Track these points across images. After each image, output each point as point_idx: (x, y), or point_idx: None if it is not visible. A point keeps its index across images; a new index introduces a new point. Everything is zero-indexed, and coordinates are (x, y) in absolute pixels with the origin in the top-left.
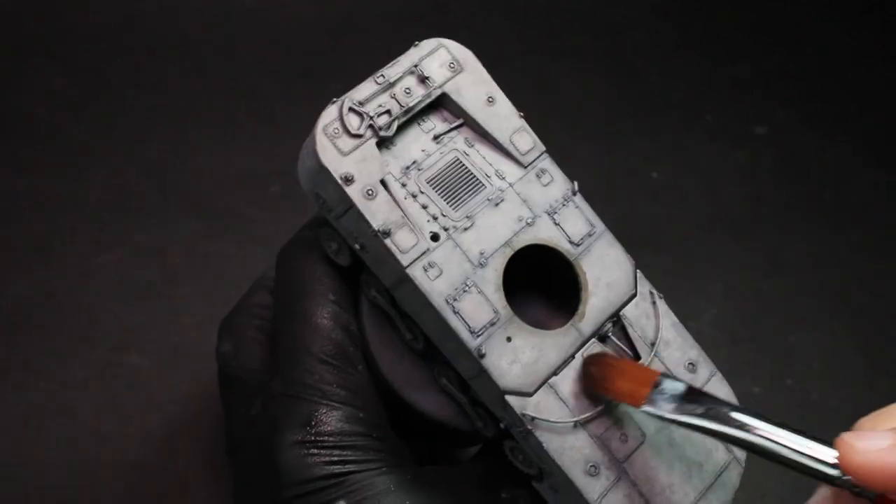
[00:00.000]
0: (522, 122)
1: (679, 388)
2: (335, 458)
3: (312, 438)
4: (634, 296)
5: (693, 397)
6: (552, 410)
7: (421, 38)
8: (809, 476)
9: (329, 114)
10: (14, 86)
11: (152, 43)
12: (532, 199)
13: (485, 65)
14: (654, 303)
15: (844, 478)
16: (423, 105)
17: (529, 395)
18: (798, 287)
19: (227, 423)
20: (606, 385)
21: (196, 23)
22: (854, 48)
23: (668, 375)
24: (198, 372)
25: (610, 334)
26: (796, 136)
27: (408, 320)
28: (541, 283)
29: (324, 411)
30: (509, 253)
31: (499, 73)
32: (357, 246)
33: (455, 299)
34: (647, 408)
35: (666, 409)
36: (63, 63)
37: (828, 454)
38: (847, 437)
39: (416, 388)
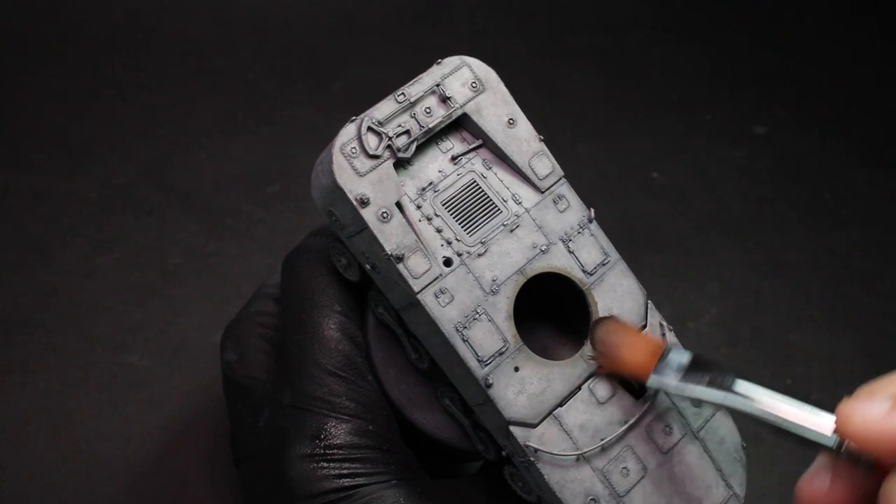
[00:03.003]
0: (542, 146)
1: (684, 358)
2: (345, 472)
3: (322, 451)
4: (644, 327)
5: (697, 367)
6: (556, 442)
7: (420, 38)
8: (807, 444)
9: (347, 132)
10: (14, 86)
11: (152, 43)
12: (547, 225)
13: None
14: (663, 335)
15: (843, 448)
16: (443, 125)
17: (534, 426)
18: (798, 287)
19: (234, 431)
20: (613, 358)
21: (196, 23)
22: (853, 49)
23: (674, 347)
24: (198, 372)
25: None
26: (796, 136)
27: (414, 340)
28: (551, 307)
29: (333, 424)
30: (522, 281)
31: (499, 74)
32: (368, 266)
33: (465, 327)
34: (653, 379)
35: (672, 380)
36: (63, 63)
37: (827, 421)
38: (846, 404)
39: (419, 406)
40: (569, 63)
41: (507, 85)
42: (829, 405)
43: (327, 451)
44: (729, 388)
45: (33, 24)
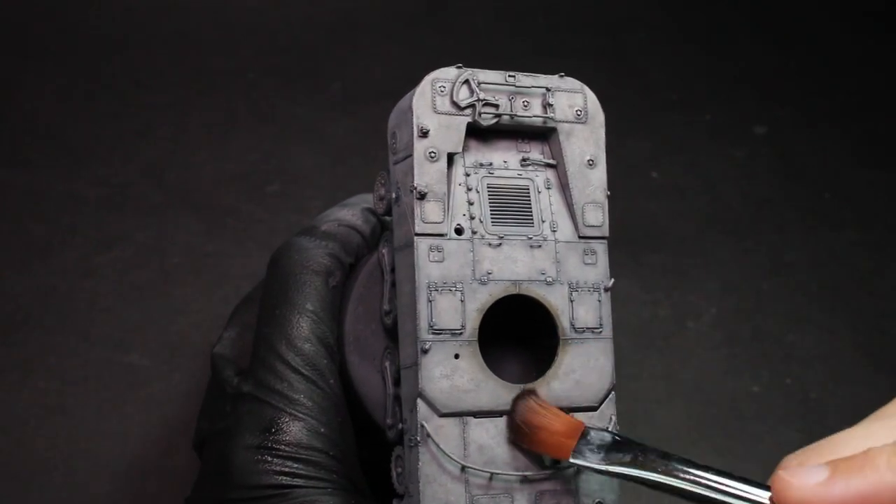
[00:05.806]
0: (605, 201)
1: (606, 438)
2: (286, 469)
3: (269, 445)
4: (594, 409)
5: (620, 446)
6: (449, 443)
7: (420, 38)
8: None
9: (447, 73)
10: (14, 85)
11: (152, 42)
12: (565, 266)
13: (484, 65)
14: (606, 428)
15: None
16: (529, 124)
17: (439, 413)
18: (797, 287)
19: (205, 403)
20: (530, 439)
21: (196, 22)
22: (854, 48)
23: (593, 427)
24: (197, 371)
25: None
26: (796, 135)
27: (393, 291)
28: (523, 335)
29: (286, 420)
30: (512, 291)
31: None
32: (394, 195)
33: (437, 290)
34: (574, 459)
35: (593, 460)
36: (63, 63)
37: (760, 494)
38: (783, 475)
39: (360, 352)
40: (569, 63)
41: None
42: (828, 404)
43: (274, 446)
44: (654, 468)
45: (33, 24)
